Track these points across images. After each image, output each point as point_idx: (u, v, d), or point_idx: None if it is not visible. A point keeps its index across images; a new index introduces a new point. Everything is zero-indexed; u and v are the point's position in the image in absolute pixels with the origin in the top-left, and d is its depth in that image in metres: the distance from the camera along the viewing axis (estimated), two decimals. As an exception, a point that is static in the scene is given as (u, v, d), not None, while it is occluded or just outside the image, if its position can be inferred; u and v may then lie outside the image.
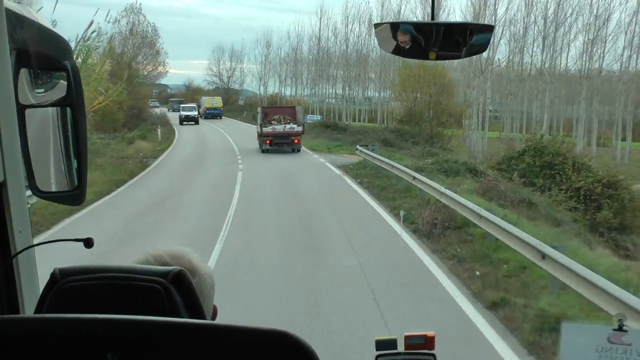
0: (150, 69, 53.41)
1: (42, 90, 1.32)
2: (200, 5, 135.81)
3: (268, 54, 72.18)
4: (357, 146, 22.47)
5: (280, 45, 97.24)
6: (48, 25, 1.26)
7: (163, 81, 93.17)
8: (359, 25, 59.19)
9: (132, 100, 36.81)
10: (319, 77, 63.86)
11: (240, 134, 35.71)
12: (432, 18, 1.37)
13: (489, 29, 1.40)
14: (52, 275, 1.12)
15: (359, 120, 56.99)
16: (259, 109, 30.07)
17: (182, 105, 56.79)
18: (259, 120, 28.56)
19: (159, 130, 32.91)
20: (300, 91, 69.91)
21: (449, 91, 37.65)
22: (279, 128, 26.97)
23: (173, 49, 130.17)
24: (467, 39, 1.31)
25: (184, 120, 48.01)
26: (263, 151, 27.32)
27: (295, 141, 27.18)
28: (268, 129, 26.96)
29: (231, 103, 68.70)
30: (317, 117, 47.52)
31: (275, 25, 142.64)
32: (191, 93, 75.81)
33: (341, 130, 36.98)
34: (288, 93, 71.14)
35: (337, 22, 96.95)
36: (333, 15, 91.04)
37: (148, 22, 50.47)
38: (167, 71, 57.57)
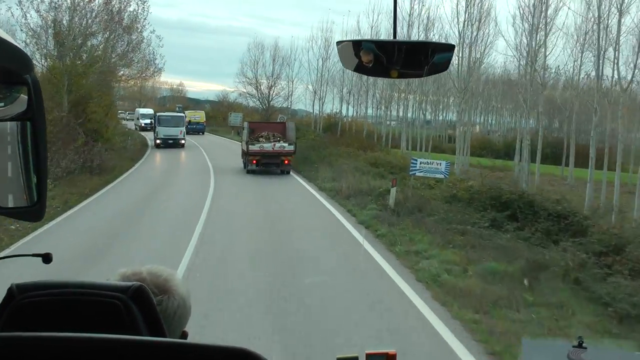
0: (121, 62, 33.53)
1: (2, 104, 1.37)
2: (259, 25, 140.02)
3: (327, 57, 49.82)
4: None
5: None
6: (8, 38, 1.28)
7: (194, 95, 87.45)
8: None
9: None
10: (399, 89, 43.75)
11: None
12: (394, 36, 1.49)
13: (450, 48, 1.50)
14: (9, 291, 1.18)
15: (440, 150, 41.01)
16: (246, 124, 28.48)
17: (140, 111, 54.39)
18: (244, 137, 27.06)
19: None
20: (368, 111, 53.16)
21: None
22: (268, 146, 25.24)
23: (230, 67, 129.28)
24: (429, 57, 1.40)
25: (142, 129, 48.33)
26: (248, 172, 25.82)
27: (286, 162, 25.72)
28: (255, 147, 25.31)
29: (271, 126, 56.69)
30: (443, 169, 19.87)
31: (338, 18, 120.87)
32: (225, 109, 62.17)
33: (573, 228, 13.75)
34: (350, 113, 54.63)
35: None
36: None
37: None
38: (156, 71, 40.11)
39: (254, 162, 25.30)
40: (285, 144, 25.59)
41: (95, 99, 29.14)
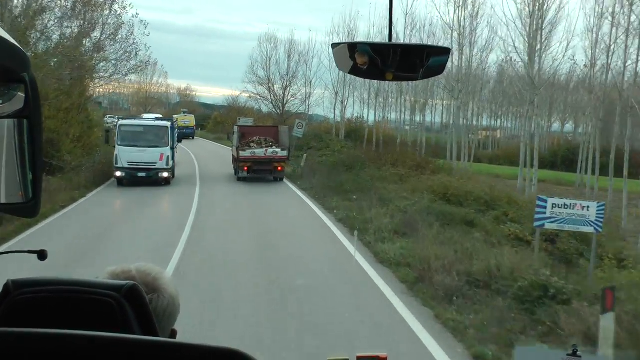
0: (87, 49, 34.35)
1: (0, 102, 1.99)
2: (275, 30, 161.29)
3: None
4: None
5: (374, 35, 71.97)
6: (6, 36, 1.91)
7: (209, 101, 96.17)
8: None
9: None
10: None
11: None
12: (390, 39, 1.93)
13: (446, 51, 1.97)
14: (5, 286, 1.57)
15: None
16: (236, 128, 33.16)
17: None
18: (234, 142, 31.74)
19: None
20: (391, 114, 59.75)
21: None
22: (259, 152, 30.78)
23: (244, 72, 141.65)
24: (424, 61, 1.89)
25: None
26: (239, 179, 30.36)
27: (279, 168, 30.76)
28: (246, 153, 30.52)
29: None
30: (593, 216, 15.55)
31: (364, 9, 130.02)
32: (235, 114, 63.71)
33: None
34: (371, 117, 59.23)
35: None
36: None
37: None
38: (141, 66, 40.18)
39: (245, 168, 30.48)
40: (278, 150, 30.90)
41: (53, 99, 27.68)
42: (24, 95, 1.87)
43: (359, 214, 20.16)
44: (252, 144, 31.34)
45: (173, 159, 30.07)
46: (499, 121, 77.07)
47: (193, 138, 68.68)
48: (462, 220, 19.39)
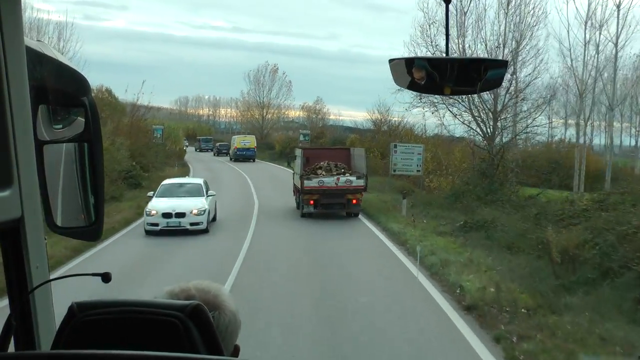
0: None
1: (60, 126, 1.95)
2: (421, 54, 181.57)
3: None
4: None
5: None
6: (67, 62, 1.97)
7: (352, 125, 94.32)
8: None
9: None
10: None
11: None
12: (447, 54, 2.04)
13: (503, 64, 2.06)
14: (70, 309, 1.67)
15: None
16: (299, 152, 29.21)
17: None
18: (297, 169, 27.93)
19: None
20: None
21: None
22: (329, 181, 26.04)
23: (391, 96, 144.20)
24: (481, 74, 1.95)
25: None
26: (303, 215, 26.14)
27: (354, 201, 26.23)
28: (312, 183, 25.95)
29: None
30: None
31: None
32: (384, 139, 44.89)
33: None
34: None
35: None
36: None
37: None
38: None
39: (311, 202, 26.14)
40: (353, 178, 26.26)
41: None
42: (84, 120, 1.93)
43: None
44: (319, 171, 27.07)
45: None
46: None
47: (254, 161, 69.23)
48: None
